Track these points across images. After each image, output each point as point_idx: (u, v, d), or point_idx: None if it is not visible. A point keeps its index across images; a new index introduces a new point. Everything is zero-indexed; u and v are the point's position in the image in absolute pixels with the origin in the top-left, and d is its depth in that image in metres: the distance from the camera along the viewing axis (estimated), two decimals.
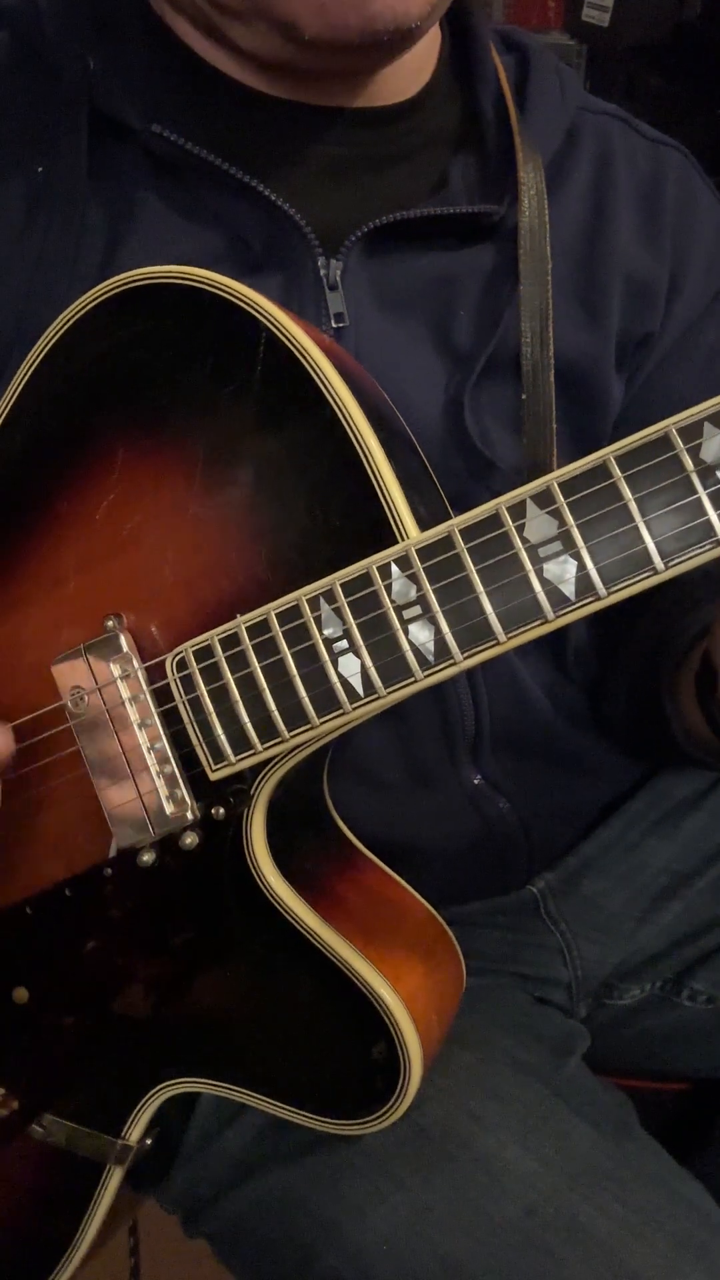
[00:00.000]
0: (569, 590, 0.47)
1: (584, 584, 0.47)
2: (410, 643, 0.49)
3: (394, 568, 0.49)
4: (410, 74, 0.68)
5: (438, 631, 0.48)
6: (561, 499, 0.47)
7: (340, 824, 0.63)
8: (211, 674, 0.53)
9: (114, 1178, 0.60)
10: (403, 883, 0.63)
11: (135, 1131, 0.60)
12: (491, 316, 0.68)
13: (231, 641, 0.52)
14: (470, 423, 0.66)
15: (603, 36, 1.61)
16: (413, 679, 0.49)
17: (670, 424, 0.45)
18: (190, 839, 0.55)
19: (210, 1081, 0.58)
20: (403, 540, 0.49)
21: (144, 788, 0.55)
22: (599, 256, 0.71)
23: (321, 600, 0.50)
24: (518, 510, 0.47)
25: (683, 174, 0.76)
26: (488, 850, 0.73)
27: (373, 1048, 0.54)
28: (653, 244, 0.73)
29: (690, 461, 0.45)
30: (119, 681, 0.55)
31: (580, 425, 0.70)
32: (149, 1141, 0.61)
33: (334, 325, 0.65)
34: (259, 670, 0.51)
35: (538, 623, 0.47)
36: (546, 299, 0.67)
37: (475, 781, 0.70)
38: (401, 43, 0.61)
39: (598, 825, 0.79)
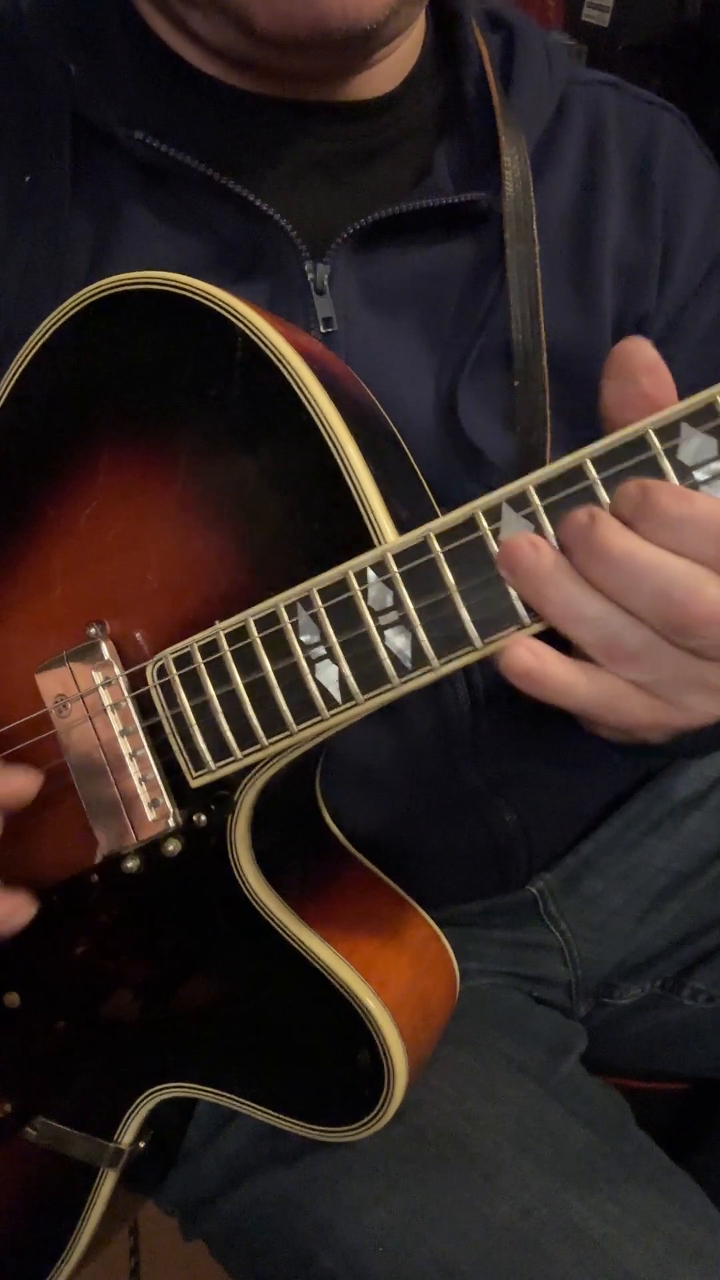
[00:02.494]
0: None
1: None
2: (387, 649, 0.48)
3: (370, 573, 0.48)
4: (394, 67, 0.67)
5: (414, 638, 0.48)
6: (537, 502, 0.46)
7: (333, 828, 0.63)
8: (191, 681, 0.52)
9: (108, 1181, 0.61)
10: (396, 887, 0.63)
11: (128, 1135, 0.60)
12: (481, 306, 0.67)
13: (211, 648, 0.52)
14: (464, 416, 0.65)
15: (603, 36, 1.58)
16: (390, 686, 0.49)
17: (647, 424, 0.45)
18: (173, 846, 0.55)
19: (199, 1087, 0.58)
20: (379, 545, 0.49)
21: (126, 795, 0.55)
22: (590, 238, 0.70)
23: (299, 606, 0.50)
24: (493, 514, 0.47)
25: (676, 137, 0.75)
26: (487, 851, 0.73)
27: (357, 1055, 0.54)
28: (644, 218, 0.72)
29: (667, 462, 0.44)
30: (101, 689, 0.55)
31: (577, 414, 0.68)
32: (142, 1145, 0.61)
33: (323, 330, 0.64)
34: (238, 677, 0.51)
35: (514, 628, 0.46)
36: (535, 284, 0.66)
37: (475, 782, 0.70)
38: (360, 45, 0.60)
39: (597, 825, 0.79)
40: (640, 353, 0.45)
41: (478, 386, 0.66)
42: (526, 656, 0.45)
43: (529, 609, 0.46)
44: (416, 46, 0.69)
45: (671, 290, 0.72)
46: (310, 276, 0.64)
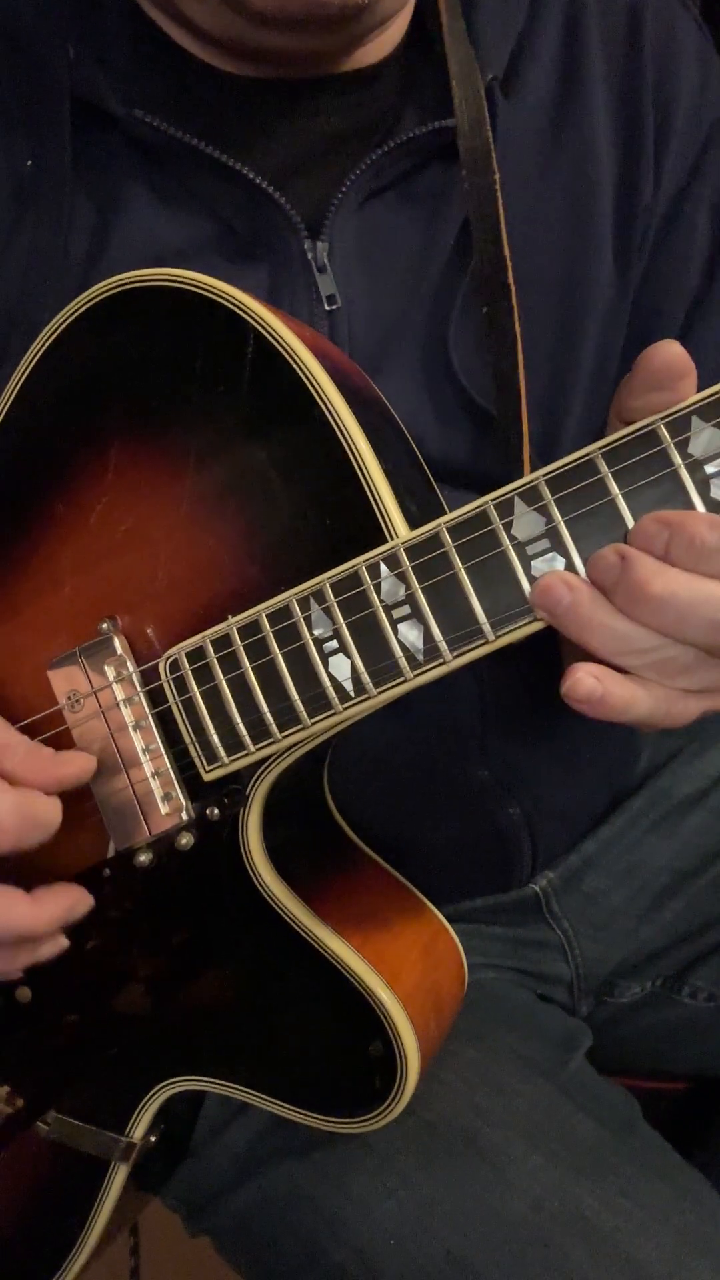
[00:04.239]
0: None
1: None
2: (400, 642, 0.49)
3: (383, 567, 0.49)
4: (391, 34, 0.66)
5: (427, 631, 0.48)
6: (549, 495, 0.47)
7: (340, 822, 0.63)
8: (204, 675, 0.53)
9: (119, 1175, 0.61)
10: (404, 881, 0.64)
11: (139, 1129, 0.60)
12: (462, 249, 0.66)
13: (223, 643, 0.52)
14: (456, 361, 0.65)
15: None
16: (403, 679, 0.49)
17: (658, 419, 0.45)
18: (185, 839, 0.55)
19: (210, 1080, 0.58)
20: (391, 539, 0.50)
21: (139, 789, 0.55)
22: (575, 136, 0.69)
23: (312, 600, 0.50)
24: (505, 507, 0.47)
25: (661, 4, 0.73)
26: (492, 847, 0.73)
27: (369, 1047, 0.54)
28: (632, 98, 0.70)
29: (678, 456, 0.45)
30: (114, 684, 0.55)
31: (568, 333, 0.68)
32: (153, 1139, 0.62)
33: (326, 308, 0.64)
34: (250, 671, 0.52)
35: (526, 621, 0.47)
36: (496, 212, 0.65)
37: (481, 778, 0.70)
38: (354, 22, 0.60)
39: (600, 823, 0.79)
40: (669, 352, 0.46)
41: (463, 328, 0.66)
42: (592, 684, 0.46)
43: None
44: (410, 9, 0.68)
45: (669, 169, 0.71)
46: (310, 255, 0.64)
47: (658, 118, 0.71)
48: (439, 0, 0.68)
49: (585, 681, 0.46)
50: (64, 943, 0.56)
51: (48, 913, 0.55)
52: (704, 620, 0.44)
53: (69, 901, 0.56)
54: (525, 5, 0.70)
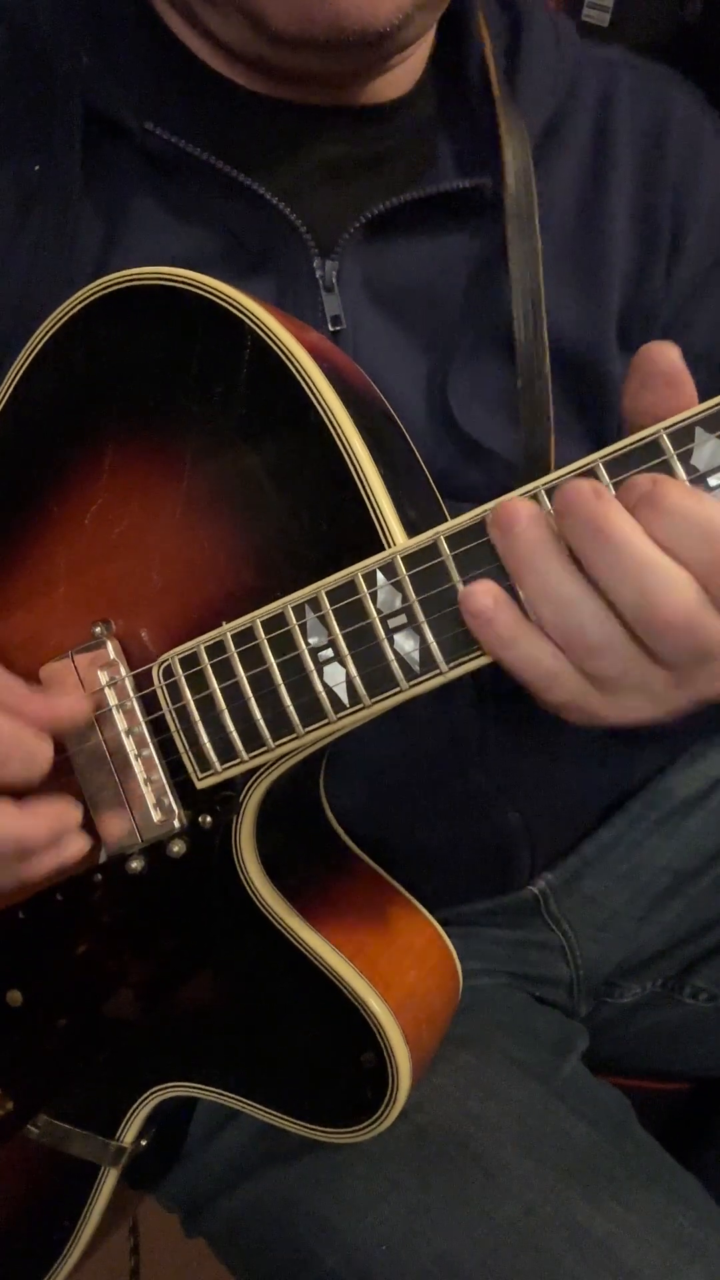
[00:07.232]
0: None
1: None
2: (395, 652, 0.48)
3: (379, 575, 0.48)
4: (407, 71, 0.67)
5: (423, 641, 0.48)
6: (549, 505, 0.46)
7: (337, 829, 0.63)
8: (197, 682, 0.52)
9: (109, 1179, 0.61)
10: (399, 888, 0.63)
11: (129, 1134, 0.60)
12: (483, 299, 0.66)
13: (217, 649, 0.52)
14: (456, 406, 0.65)
15: (603, 36, 1.56)
16: (398, 689, 0.48)
17: (660, 428, 0.44)
18: (178, 847, 0.55)
19: (202, 1086, 0.58)
20: (388, 547, 0.49)
21: (131, 795, 0.55)
22: (596, 224, 0.69)
23: (307, 608, 0.49)
24: None
25: (690, 115, 0.73)
26: (490, 851, 0.73)
27: (361, 1057, 0.54)
28: (653, 202, 0.70)
29: (681, 467, 0.44)
30: (106, 689, 0.55)
31: (583, 408, 0.68)
32: (144, 1143, 0.61)
33: (331, 329, 0.64)
34: (244, 679, 0.51)
35: None
36: (538, 281, 0.65)
37: (479, 782, 0.70)
38: (375, 48, 0.59)
39: (599, 825, 0.79)
40: (664, 357, 0.45)
41: (471, 376, 0.66)
42: (486, 599, 0.45)
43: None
44: (428, 48, 0.69)
45: (682, 274, 0.71)
46: (319, 274, 0.63)
47: (673, 227, 0.71)
48: (486, 54, 0.68)
49: (481, 598, 0.45)
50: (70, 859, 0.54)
51: (43, 821, 0.53)
52: (635, 581, 0.42)
53: (59, 810, 0.54)
54: (564, 84, 0.70)
